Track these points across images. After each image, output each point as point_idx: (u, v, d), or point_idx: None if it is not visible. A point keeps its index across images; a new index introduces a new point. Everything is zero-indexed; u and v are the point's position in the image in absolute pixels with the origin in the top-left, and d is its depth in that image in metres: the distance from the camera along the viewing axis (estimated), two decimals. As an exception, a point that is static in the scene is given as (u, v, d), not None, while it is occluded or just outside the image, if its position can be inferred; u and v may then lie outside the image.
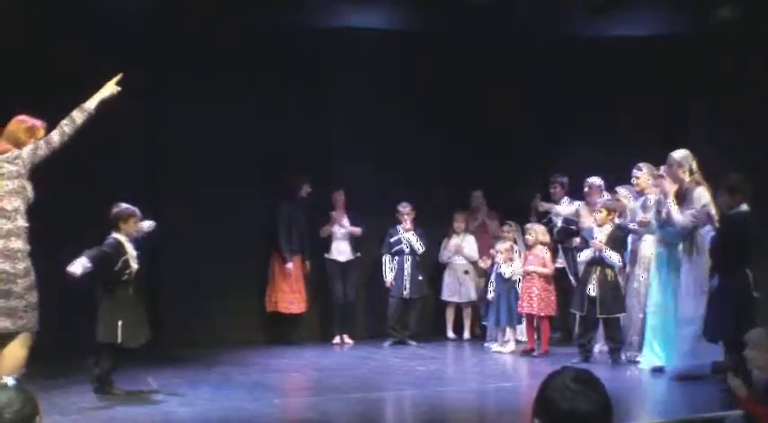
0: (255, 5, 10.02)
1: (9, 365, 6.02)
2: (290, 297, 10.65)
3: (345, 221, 10.85)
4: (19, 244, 6.11)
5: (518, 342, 10.32)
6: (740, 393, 5.33)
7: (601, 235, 9.29)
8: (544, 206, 10.81)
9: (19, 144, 6.24)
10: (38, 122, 6.37)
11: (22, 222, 6.14)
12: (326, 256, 10.93)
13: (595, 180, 10.15)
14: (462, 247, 11.20)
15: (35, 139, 6.28)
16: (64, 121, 6.24)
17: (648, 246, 9.17)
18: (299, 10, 10.21)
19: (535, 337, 9.99)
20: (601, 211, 9.46)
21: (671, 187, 8.70)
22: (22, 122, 6.32)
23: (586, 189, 10.21)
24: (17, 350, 6.10)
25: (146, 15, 9.84)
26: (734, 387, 5.40)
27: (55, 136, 6.22)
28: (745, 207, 7.78)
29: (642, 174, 9.29)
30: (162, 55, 10.14)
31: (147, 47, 10.03)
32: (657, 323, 8.73)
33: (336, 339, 10.81)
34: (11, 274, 6.05)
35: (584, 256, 9.38)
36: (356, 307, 11.25)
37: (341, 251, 10.95)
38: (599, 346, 9.61)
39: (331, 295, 10.88)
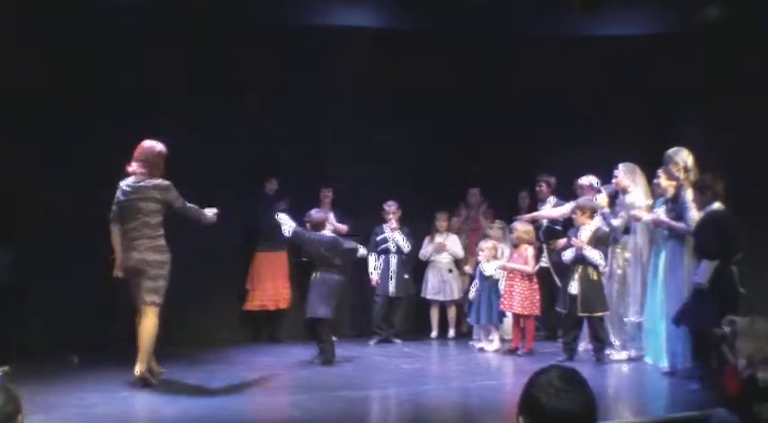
0: (246, 4, 9.99)
1: (149, 336, 7.78)
2: (262, 295, 10.66)
3: (332, 218, 10.86)
4: (162, 242, 7.87)
5: (503, 340, 10.35)
6: (729, 359, 5.40)
7: (583, 234, 9.32)
8: (525, 217, 10.64)
9: (155, 169, 7.86)
10: (165, 149, 7.97)
11: (162, 231, 7.88)
12: None
13: (590, 179, 10.02)
14: (445, 245, 11.24)
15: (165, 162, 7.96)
16: (193, 205, 8.03)
17: (627, 245, 9.26)
18: (291, 8, 10.19)
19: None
20: (575, 213, 9.50)
21: (629, 186, 9.21)
22: (159, 151, 7.94)
23: (579, 190, 10.10)
24: (152, 320, 7.82)
25: (133, 14, 9.78)
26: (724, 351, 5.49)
27: (186, 206, 7.97)
28: (717, 205, 7.81)
29: (620, 173, 9.35)
30: (152, 54, 10.07)
31: (136, 46, 9.97)
32: (656, 325, 8.80)
33: None
34: (160, 262, 7.84)
35: (567, 255, 9.41)
36: (341, 305, 11.23)
37: None
38: (584, 345, 9.64)
39: None
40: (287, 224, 9.35)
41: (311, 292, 9.38)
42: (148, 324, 7.81)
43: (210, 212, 8.12)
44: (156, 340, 7.87)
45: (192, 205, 8.02)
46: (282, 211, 10.32)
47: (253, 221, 10.73)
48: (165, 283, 7.89)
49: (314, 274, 9.42)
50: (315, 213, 9.69)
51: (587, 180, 10.00)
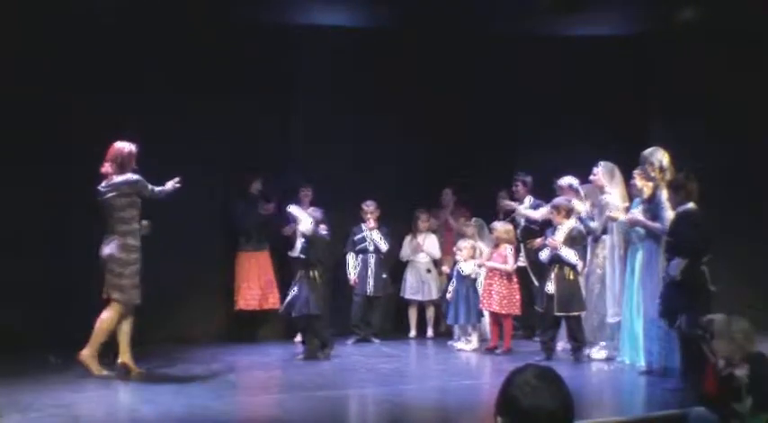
0: (221, 3, 9.96)
1: (103, 327, 8.15)
2: (247, 294, 10.64)
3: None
4: (132, 241, 8.19)
5: (483, 340, 10.36)
6: (710, 359, 5.46)
7: (558, 234, 9.36)
8: (509, 205, 10.81)
9: (127, 167, 8.25)
10: (135, 149, 8.35)
11: (135, 225, 8.25)
12: (290, 254, 10.90)
13: (570, 180, 9.95)
14: (424, 245, 11.26)
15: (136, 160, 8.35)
16: (160, 188, 8.41)
17: (606, 245, 9.30)
18: (266, 7, 10.17)
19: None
20: (552, 213, 9.54)
21: (610, 186, 9.26)
22: (129, 151, 8.31)
23: (559, 191, 10.02)
24: (110, 314, 8.17)
25: (113, 13, 9.74)
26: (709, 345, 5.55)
27: (155, 191, 8.38)
28: (690, 205, 7.83)
29: (598, 171, 9.39)
30: (128, 52, 10.03)
31: (114, 45, 9.94)
32: (633, 324, 8.84)
33: (298, 337, 10.74)
34: (125, 261, 8.12)
35: (544, 254, 9.45)
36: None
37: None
38: (562, 344, 9.67)
39: None
40: (305, 219, 9.59)
41: (307, 290, 9.48)
42: (104, 316, 8.19)
43: (170, 184, 8.47)
44: (121, 337, 8.32)
45: (159, 188, 8.42)
46: (270, 211, 10.41)
47: (238, 221, 10.71)
48: (129, 282, 8.18)
49: (312, 273, 9.56)
50: (313, 212, 9.84)
51: (566, 181, 10.01)
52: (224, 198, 10.85)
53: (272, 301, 10.77)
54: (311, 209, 9.99)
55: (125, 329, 8.35)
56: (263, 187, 10.82)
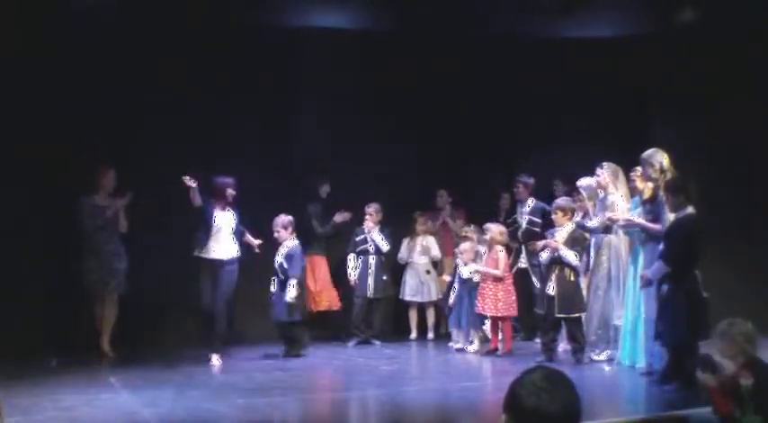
0: (225, 4, 9.96)
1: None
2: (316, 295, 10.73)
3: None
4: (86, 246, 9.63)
5: (484, 342, 10.33)
6: (710, 384, 5.42)
7: (560, 235, 9.33)
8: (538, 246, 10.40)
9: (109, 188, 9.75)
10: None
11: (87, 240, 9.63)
12: (200, 254, 9.61)
13: (588, 181, 9.76)
14: (423, 247, 11.24)
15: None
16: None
17: (608, 245, 9.27)
18: (276, 9, 10.17)
19: (499, 336, 10.02)
20: (556, 213, 9.50)
21: (614, 186, 9.15)
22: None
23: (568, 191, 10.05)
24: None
25: (113, 14, 9.72)
26: (703, 381, 5.48)
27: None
28: (690, 210, 7.80)
29: (603, 172, 9.34)
30: (127, 52, 10.02)
31: (113, 45, 9.93)
32: (635, 326, 8.83)
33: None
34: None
35: (545, 256, 9.41)
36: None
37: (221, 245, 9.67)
38: (563, 346, 9.65)
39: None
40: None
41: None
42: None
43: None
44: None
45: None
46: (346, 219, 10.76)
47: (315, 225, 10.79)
48: (86, 279, 9.55)
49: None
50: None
51: (586, 182, 9.80)
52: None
53: (327, 303, 10.78)
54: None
55: (107, 316, 9.72)
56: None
